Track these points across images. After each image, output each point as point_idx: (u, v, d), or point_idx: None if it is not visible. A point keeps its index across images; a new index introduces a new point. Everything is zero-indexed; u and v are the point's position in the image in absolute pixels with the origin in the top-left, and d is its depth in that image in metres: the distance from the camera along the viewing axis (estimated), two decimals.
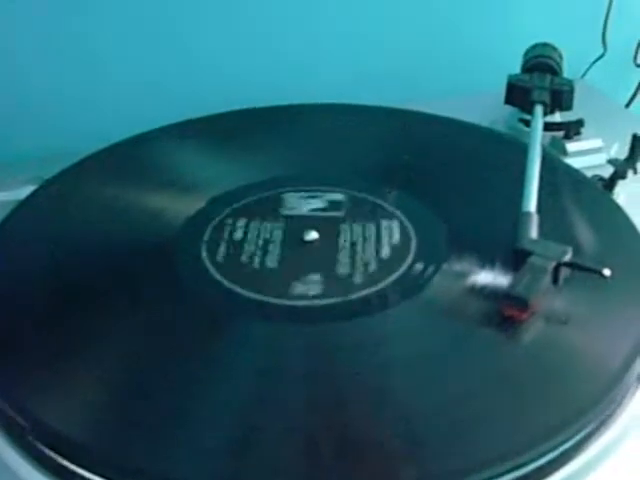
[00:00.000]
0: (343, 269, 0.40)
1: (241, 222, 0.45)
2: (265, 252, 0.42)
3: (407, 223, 0.44)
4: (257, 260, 0.42)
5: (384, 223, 0.43)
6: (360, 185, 0.47)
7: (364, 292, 0.39)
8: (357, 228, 0.43)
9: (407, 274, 0.40)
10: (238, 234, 0.44)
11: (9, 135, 0.58)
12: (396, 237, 0.42)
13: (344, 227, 0.43)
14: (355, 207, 0.45)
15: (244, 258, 0.42)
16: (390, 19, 0.67)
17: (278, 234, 0.44)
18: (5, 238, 0.44)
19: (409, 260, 0.41)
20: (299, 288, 0.39)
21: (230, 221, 0.45)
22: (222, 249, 0.42)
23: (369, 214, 0.44)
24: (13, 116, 0.59)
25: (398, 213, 0.44)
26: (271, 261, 0.42)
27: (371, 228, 0.43)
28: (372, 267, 0.40)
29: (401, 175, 0.48)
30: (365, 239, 0.42)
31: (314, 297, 0.39)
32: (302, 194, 0.46)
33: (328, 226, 0.44)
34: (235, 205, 0.46)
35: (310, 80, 0.64)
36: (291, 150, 0.52)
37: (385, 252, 0.41)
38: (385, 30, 0.66)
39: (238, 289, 0.39)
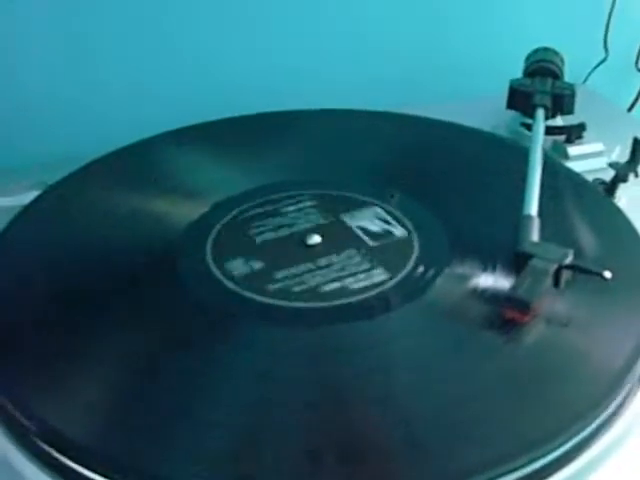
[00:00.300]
0: (281, 274, 0.41)
1: (307, 203, 0.46)
2: (273, 230, 0.44)
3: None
4: (256, 231, 0.44)
5: (377, 270, 0.41)
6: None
7: (259, 298, 0.39)
8: (356, 258, 0.42)
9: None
10: (289, 208, 0.45)
11: (12, 140, 0.59)
12: (362, 284, 0.40)
13: (348, 252, 0.42)
14: (390, 246, 0.43)
15: (256, 224, 0.44)
16: (390, 24, 0.67)
17: (304, 225, 0.44)
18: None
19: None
20: (234, 265, 0.41)
21: (303, 197, 0.46)
22: (257, 211, 0.45)
23: (385, 257, 0.42)
24: (15, 121, 0.59)
25: (405, 268, 0.41)
26: (261, 238, 0.43)
27: (362, 266, 0.41)
28: (298, 288, 0.40)
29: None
30: (341, 269, 0.41)
31: (230, 277, 0.40)
32: (382, 214, 0.45)
33: (342, 243, 0.43)
34: (324, 190, 0.47)
35: (311, 85, 0.64)
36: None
37: (328, 288, 0.40)
38: (385, 35, 0.67)
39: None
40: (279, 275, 0.41)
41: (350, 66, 0.66)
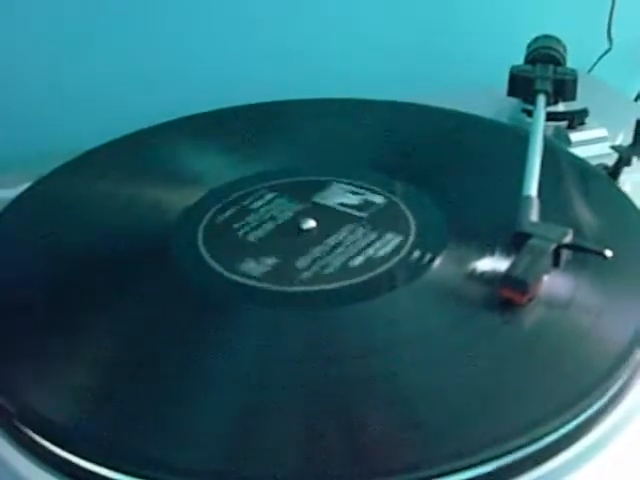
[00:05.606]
0: (303, 262, 0.39)
1: (270, 195, 0.45)
2: (258, 226, 0.42)
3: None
4: (243, 231, 0.42)
5: (388, 235, 0.41)
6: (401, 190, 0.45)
7: (300, 288, 0.38)
8: (358, 231, 0.41)
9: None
10: (257, 204, 0.44)
11: (8, 133, 0.58)
12: (383, 251, 0.40)
13: (348, 227, 0.42)
14: (381, 213, 0.43)
15: (237, 226, 0.42)
16: (391, 12, 0.67)
17: (286, 215, 0.43)
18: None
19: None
20: (248, 266, 0.39)
21: (262, 192, 0.45)
22: (227, 214, 0.43)
23: (385, 223, 0.42)
24: (12, 113, 0.59)
25: (412, 228, 0.42)
26: (254, 236, 0.42)
27: (371, 236, 0.41)
28: (329, 270, 0.39)
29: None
30: (353, 243, 0.41)
31: (253, 277, 0.38)
32: (349, 187, 0.45)
33: (335, 222, 0.42)
34: (276, 180, 0.46)
35: (312, 75, 0.64)
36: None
37: (357, 261, 0.39)
38: (387, 23, 0.66)
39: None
40: (301, 263, 0.39)
41: (347, 55, 0.66)
